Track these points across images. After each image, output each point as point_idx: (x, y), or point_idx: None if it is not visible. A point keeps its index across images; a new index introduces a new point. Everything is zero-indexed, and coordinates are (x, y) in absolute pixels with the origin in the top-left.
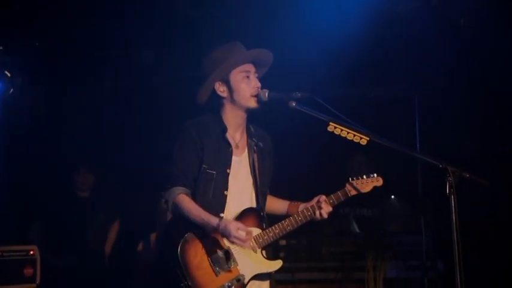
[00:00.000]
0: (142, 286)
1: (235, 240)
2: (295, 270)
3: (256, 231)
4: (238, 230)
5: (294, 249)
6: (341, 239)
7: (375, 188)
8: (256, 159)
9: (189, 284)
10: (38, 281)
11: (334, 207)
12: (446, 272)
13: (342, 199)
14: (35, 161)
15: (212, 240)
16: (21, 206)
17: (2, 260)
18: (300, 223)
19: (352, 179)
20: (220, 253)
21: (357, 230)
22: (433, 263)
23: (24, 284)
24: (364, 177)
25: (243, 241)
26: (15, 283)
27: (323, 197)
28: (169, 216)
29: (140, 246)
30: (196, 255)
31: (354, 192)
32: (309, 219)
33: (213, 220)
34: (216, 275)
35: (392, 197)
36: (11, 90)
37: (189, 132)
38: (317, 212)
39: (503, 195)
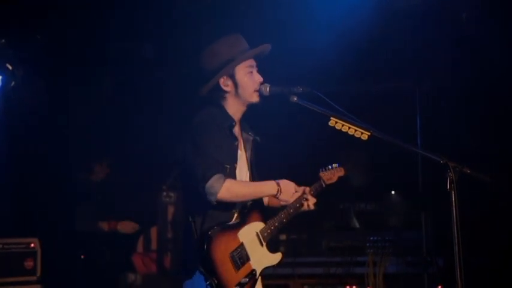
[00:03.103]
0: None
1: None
2: (295, 265)
3: (260, 225)
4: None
5: (294, 244)
6: (341, 234)
7: (339, 178)
8: (252, 154)
9: (216, 281)
10: (38, 273)
11: (317, 197)
12: (446, 267)
13: (319, 190)
14: (37, 154)
15: (230, 235)
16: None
17: (3, 253)
18: (292, 215)
19: (322, 171)
20: (238, 248)
21: (357, 225)
22: (433, 259)
23: (25, 277)
24: (330, 167)
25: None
26: (16, 275)
27: (307, 189)
28: (170, 210)
29: (140, 240)
30: (220, 252)
31: (324, 184)
32: (298, 211)
33: (270, 184)
34: (236, 271)
35: (393, 192)
36: (13, 83)
37: (208, 122)
38: (305, 204)
39: (504, 191)
